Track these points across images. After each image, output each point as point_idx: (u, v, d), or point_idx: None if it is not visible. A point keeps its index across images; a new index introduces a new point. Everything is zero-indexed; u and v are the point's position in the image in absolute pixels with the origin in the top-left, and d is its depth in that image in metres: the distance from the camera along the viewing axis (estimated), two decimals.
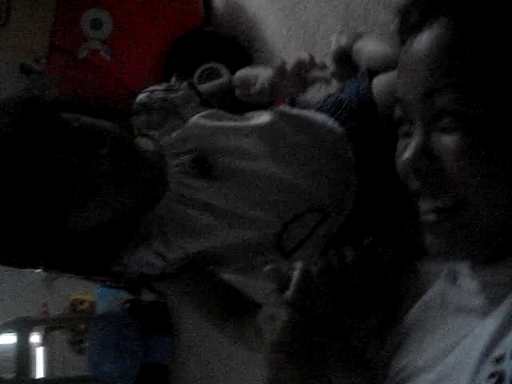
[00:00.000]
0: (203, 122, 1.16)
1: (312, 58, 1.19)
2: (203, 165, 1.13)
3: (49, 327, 4.43)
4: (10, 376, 3.78)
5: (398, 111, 0.73)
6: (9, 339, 3.96)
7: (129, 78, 3.01)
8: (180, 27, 2.93)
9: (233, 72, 2.86)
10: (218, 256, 1.17)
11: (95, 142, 1.01)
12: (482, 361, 0.59)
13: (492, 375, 0.56)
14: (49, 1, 2.82)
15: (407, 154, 0.68)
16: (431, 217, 0.69)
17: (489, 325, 0.62)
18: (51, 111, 1.01)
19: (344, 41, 1.73)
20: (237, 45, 2.89)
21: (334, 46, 1.79)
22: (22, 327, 3.74)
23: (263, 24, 2.70)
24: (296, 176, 1.16)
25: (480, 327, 0.65)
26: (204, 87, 1.30)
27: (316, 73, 1.20)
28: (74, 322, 4.12)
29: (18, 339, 3.70)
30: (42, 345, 4.78)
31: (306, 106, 1.36)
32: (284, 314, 0.78)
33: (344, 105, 1.28)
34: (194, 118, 1.16)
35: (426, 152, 0.67)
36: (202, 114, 1.17)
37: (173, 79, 1.27)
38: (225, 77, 2.81)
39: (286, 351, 0.77)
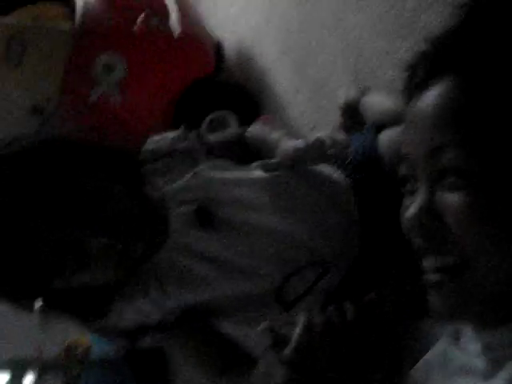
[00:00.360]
0: (207, 172, 1.17)
1: (333, 140, 1.24)
2: (205, 216, 1.13)
3: (42, 370, 4.37)
4: None
5: (402, 169, 0.73)
6: (2, 379, 3.90)
7: (138, 123, 3.03)
8: (191, 75, 2.97)
9: (242, 122, 2.89)
10: (217, 307, 1.16)
11: (92, 220, 0.99)
12: None
13: None
14: (63, 43, 2.87)
15: (412, 211, 0.67)
16: (434, 277, 0.68)
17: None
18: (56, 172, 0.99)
19: (352, 95, 1.76)
20: (246, 95, 2.93)
21: (341, 100, 1.81)
22: (17, 367, 3.69)
23: (273, 76, 2.73)
24: (298, 228, 1.16)
25: None
26: (213, 137, 1.31)
27: (335, 150, 1.23)
28: (68, 365, 4.06)
29: (11, 379, 3.65)
30: None
31: None
32: (280, 373, 0.76)
33: (350, 158, 1.28)
34: (199, 168, 1.17)
35: (430, 209, 0.66)
36: (208, 164, 1.18)
37: (181, 129, 1.28)
38: (233, 128, 2.84)
39: None
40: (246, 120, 2.62)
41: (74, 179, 0.99)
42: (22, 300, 1.03)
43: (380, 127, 1.32)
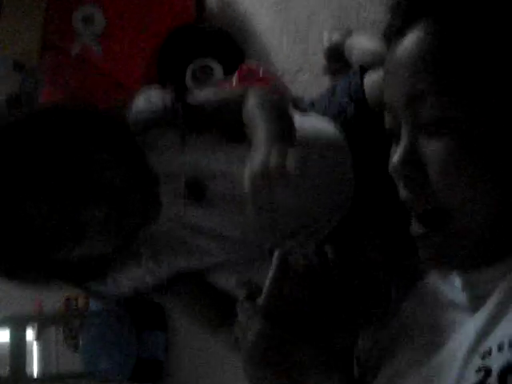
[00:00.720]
0: (199, 146, 1.14)
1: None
2: (196, 190, 1.12)
3: (43, 324, 4.42)
4: (4, 372, 3.77)
5: (387, 119, 0.72)
6: (3, 336, 3.95)
7: (121, 73, 3.00)
8: (172, 23, 2.92)
9: (226, 67, 2.86)
10: (209, 268, 1.17)
11: (89, 189, 0.98)
12: (469, 355, 0.60)
13: (479, 369, 0.56)
14: None
15: (394, 161, 0.67)
16: (419, 228, 0.68)
17: (476, 321, 0.62)
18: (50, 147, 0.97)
19: (336, 37, 1.75)
20: (230, 40, 2.89)
21: (326, 43, 1.80)
22: (17, 324, 3.73)
23: (256, 19, 2.70)
24: (290, 197, 1.14)
25: (468, 323, 0.66)
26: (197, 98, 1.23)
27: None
28: (68, 318, 4.12)
29: (13, 336, 3.69)
30: (37, 341, 4.77)
31: (304, 108, 1.34)
32: (255, 324, 0.75)
33: (347, 110, 1.26)
34: (191, 142, 1.14)
35: (412, 159, 0.66)
36: (197, 139, 1.15)
37: (166, 93, 1.18)
38: (218, 75, 2.80)
39: (261, 363, 0.75)
40: (231, 66, 2.61)
41: (65, 151, 0.98)
42: (21, 274, 1.03)
43: (365, 70, 1.31)
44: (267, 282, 0.77)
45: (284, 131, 0.99)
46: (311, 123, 1.25)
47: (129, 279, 1.14)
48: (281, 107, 1.13)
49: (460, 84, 0.62)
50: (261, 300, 0.77)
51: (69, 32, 2.83)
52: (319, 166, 1.17)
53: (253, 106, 1.09)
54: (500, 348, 0.55)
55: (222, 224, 1.11)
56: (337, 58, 1.77)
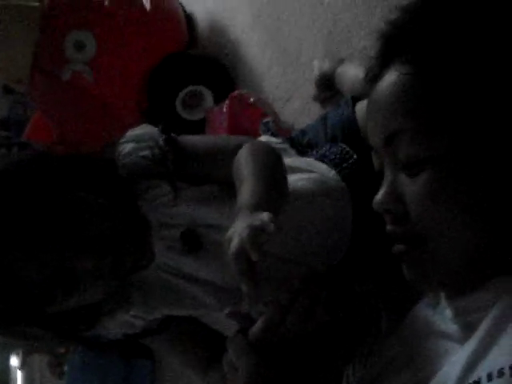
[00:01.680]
0: (191, 197, 1.09)
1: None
2: (192, 241, 1.08)
3: (28, 351, 4.37)
4: None
5: (374, 159, 0.76)
6: None
7: (112, 98, 3.01)
8: (163, 49, 2.94)
9: (216, 95, 2.88)
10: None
11: (79, 241, 0.94)
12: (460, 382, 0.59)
13: None
14: (32, 22, 2.81)
15: (378, 197, 0.71)
16: (399, 247, 0.71)
17: (465, 351, 0.62)
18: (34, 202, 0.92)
19: (326, 66, 1.75)
20: (220, 67, 2.91)
21: (316, 71, 1.81)
22: (1, 349, 3.69)
23: (246, 48, 2.71)
24: (294, 252, 1.12)
25: (458, 353, 0.66)
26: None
27: None
28: (54, 345, 4.07)
29: None
30: (21, 368, 4.71)
31: (306, 150, 1.32)
32: (247, 360, 0.73)
33: (349, 159, 1.22)
34: (183, 193, 1.09)
35: (393, 195, 0.69)
36: (189, 192, 1.10)
37: (157, 133, 1.13)
38: (208, 102, 2.79)
39: None
40: (221, 94, 2.61)
41: (52, 201, 0.93)
42: (15, 330, 0.99)
43: (357, 99, 1.31)
44: (263, 318, 0.74)
45: (270, 196, 0.95)
46: (314, 168, 1.21)
47: (118, 324, 1.11)
48: (274, 165, 1.07)
49: (433, 122, 0.64)
50: (253, 335, 0.74)
51: (60, 57, 2.83)
52: (319, 216, 1.15)
53: (244, 157, 1.04)
54: (489, 378, 0.55)
55: (218, 274, 1.07)
56: (327, 86, 1.77)
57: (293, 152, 1.30)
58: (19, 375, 4.87)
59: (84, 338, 1.11)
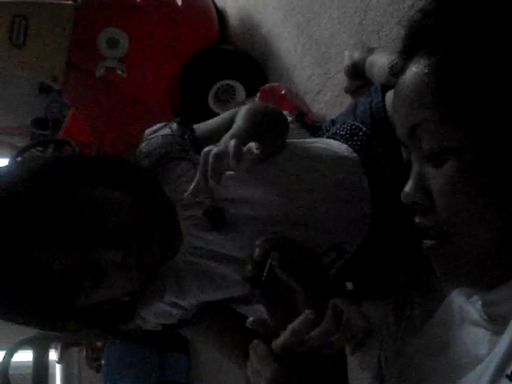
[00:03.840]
0: None
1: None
2: (216, 217, 1.09)
3: (66, 344, 4.44)
4: None
5: (403, 151, 0.76)
6: (26, 356, 3.97)
7: (145, 95, 3.03)
8: (195, 45, 2.96)
9: (248, 89, 2.88)
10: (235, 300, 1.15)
11: (104, 234, 0.96)
12: (496, 376, 0.60)
13: None
14: (66, 20, 2.85)
15: (405, 189, 0.72)
16: (427, 242, 0.72)
17: (503, 341, 0.62)
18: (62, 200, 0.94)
19: (357, 55, 1.74)
20: (252, 62, 2.91)
21: (346, 61, 1.80)
22: (40, 344, 3.75)
23: (278, 41, 2.71)
24: (312, 217, 1.13)
25: (492, 343, 0.68)
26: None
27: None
28: (91, 339, 4.12)
29: (36, 356, 3.70)
30: (59, 362, 4.78)
31: (318, 129, 1.33)
32: (268, 369, 0.73)
33: (359, 132, 1.24)
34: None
35: (420, 186, 0.70)
36: None
37: (173, 126, 1.19)
38: (240, 97, 2.80)
39: None
40: (253, 88, 2.62)
41: (80, 196, 0.96)
42: (49, 324, 1.01)
43: (387, 88, 1.30)
44: (290, 328, 0.75)
45: (253, 131, 1.04)
46: (324, 142, 1.25)
47: (155, 314, 1.12)
48: (266, 112, 1.16)
49: (458, 111, 0.64)
50: (276, 344, 0.75)
51: (93, 54, 2.87)
52: (329, 179, 1.16)
53: (241, 110, 1.14)
54: None
55: (244, 249, 1.07)
56: (358, 76, 1.76)
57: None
58: (58, 369, 4.96)
59: (122, 330, 1.13)
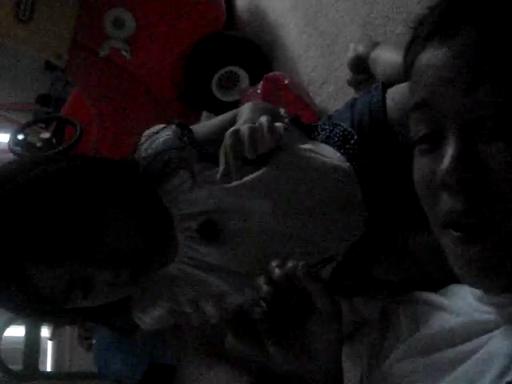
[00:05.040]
0: (208, 185, 1.11)
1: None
2: (211, 230, 1.09)
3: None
4: (18, 368, 3.81)
5: (414, 127, 0.66)
6: (18, 331, 3.99)
7: (149, 77, 3.03)
8: (202, 29, 2.95)
9: (252, 76, 2.87)
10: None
11: (98, 255, 0.95)
12: (495, 381, 0.59)
13: None
14: None
15: (445, 166, 0.59)
16: (460, 243, 0.61)
17: (504, 347, 0.61)
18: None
19: (361, 49, 1.74)
20: (257, 49, 2.90)
21: (350, 54, 1.79)
22: (32, 320, 3.76)
23: (284, 30, 2.71)
24: (306, 229, 1.13)
25: (495, 345, 0.64)
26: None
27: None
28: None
29: (28, 332, 3.72)
30: (51, 339, 4.80)
31: (313, 129, 1.32)
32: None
33: (351, 140, 1.22)
34: (200, 180, 1.11)
35: (468, 160, 0.58)
36: (208, 174, 1.12)
37: (173, 129, 1.17)
38: (244, 83, 2.80)
39: None
40: (257, 76, 2.62)
41: (76, 209, 0.95)
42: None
43: (388, 86, 1.28)
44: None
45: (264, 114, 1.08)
46: (318, 150, 1.22)
47: (152, 319, 1.13)
48: (268, 108, 1.19)
49: None
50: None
51: (99, 34, 2.86)
52: (318, 188, 1.15)
53: (244, 107, 1.18)
54: None
55: (239, 261, 1.08)
56: (361, 70, 1.76)
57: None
58: (49, 346, 4.98)
59: (121, 325, 1.15)
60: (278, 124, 0.99)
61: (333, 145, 1.22)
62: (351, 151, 1.20)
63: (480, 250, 0.59)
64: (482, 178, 0.57)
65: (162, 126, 1.17)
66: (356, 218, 1.16)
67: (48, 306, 0.97)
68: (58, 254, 0.92)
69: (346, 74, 2.01)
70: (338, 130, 1.24)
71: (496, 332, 0.66)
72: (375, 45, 1.70)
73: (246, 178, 1.11)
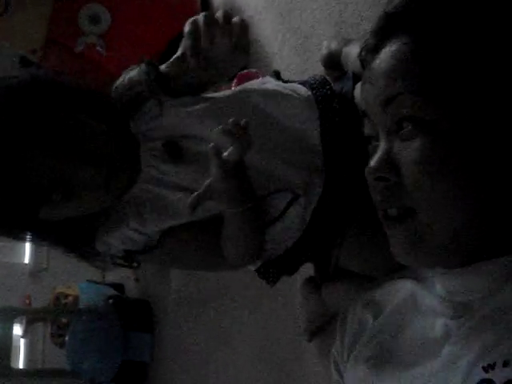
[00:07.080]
0: (174, 110, 1.21)
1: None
2: (174, 149, 1.18)
3: (31, 319, 4.42)
4: None
5: (366, 128, 0.76)
6: None
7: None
8: (176, 26, 2.94)
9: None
10: None
11: (80, 152, 1.07)
12: (471, 367, 0.61)
13: (481, 382, 0.58)
14: None
15: (372, 163, 0.71)
16: (386, 223, 0.72)
17: (480, 334, 0.64)
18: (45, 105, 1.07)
19: (334, 45, 1.77)
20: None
21: (324, 51, 1.82)
22: (5, 317, 3.74)
23: (259, 28, 2.72)
24: (263, 157, 1.19)
25: (452, 328, 0.68)
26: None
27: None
28: (56, 314, 4.11)
29: (0, 328, 3.69)
30: (24, 336, 4.76)
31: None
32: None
33: (326, 85, 1.32)
34: (167, 105, 1.22)
35: (387, 161, 0.70)
36: (174, 101, 1.22)
37: (140, 67, 1.28)
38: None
39: None
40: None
41: (60, 116, 1.07)
42: (10, 229, 1.10)
43: (359, 77, 1.33)
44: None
45: None
46: (285, 85, 1.33)
47: (118, 240, 1.19)
48: None
49: (435, 85, 0.65)
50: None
51: (74, 29, 2.85)
52: (282, 113, 1.24)
53: None
54: (506, 364, 0.57)
55: (198, 181, 1.13)
56: (334, 66, 1.79)
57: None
58: (22, 343, 4.94)
59: (89, 253, 1.19)
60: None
61: (307, 86, 1.32)
62: (323, 93, 1.29)
63: (403, 229, 0.69)
64: (396, 175, 0.69)
65: (135, 65, 1.29)
66: (313, 161, 1.23)
67: (24, 209, 1.04)
68: (45, 144, 1.03)
69: (319, 70, 2.03)
70: (317, 77, 1.35)
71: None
72: (348, 42, 1.73)
73: (209, 107, 1.23)
